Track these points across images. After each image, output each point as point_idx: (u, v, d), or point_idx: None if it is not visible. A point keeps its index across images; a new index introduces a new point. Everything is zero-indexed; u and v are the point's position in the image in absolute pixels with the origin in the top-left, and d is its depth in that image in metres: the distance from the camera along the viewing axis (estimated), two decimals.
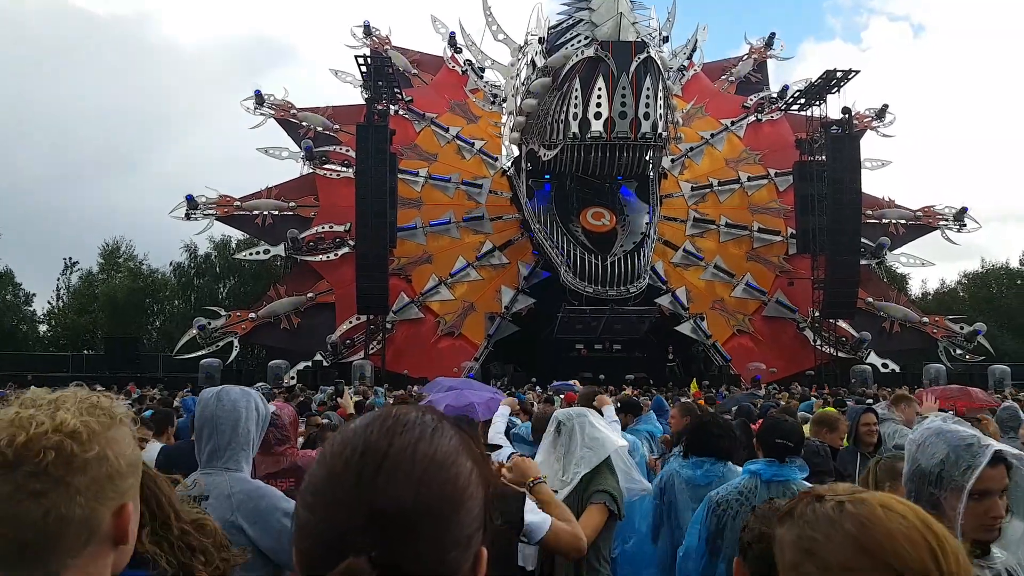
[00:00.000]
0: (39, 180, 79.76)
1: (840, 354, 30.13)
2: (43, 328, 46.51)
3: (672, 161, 33.05)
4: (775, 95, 35.58)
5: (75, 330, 43.48)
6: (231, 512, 2.54)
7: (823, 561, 0.97)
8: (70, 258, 47.93)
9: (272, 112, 32.71)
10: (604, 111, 25.91)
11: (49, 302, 46.76)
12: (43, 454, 1.02)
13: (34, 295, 46.03)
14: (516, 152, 31.93)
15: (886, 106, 35.01)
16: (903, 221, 34.39)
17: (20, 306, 44.86)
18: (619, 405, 7.94)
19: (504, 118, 32.77)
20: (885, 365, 30.83)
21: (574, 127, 26.42)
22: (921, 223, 34.58)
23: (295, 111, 32.99)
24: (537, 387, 20.28)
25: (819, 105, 31.36)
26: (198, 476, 2.64)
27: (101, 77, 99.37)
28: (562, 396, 13.24)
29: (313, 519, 0.82)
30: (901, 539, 0.94)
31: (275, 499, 2.66)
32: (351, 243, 29.19)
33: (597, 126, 26.25)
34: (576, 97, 26.14)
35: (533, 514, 2.97)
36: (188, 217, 31.21)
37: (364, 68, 29.80)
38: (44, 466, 1.02)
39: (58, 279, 47.07)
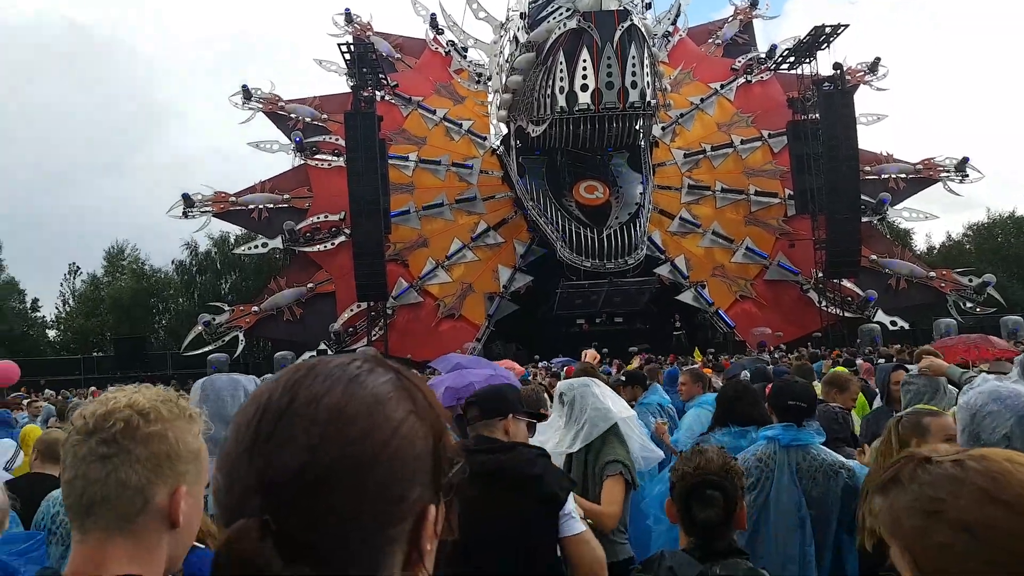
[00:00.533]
0: (31, 186, 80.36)
1: (846, 314, 29.86)
2: (52, 333, 47.14)
3: (663, 129, 32.70)
4: (763, 55, 35.02)
5: (84, 333, 44.07)
6: None
7: (955, 520, 0.93)
8: (74, 263, 48.57)
9: (260, 106, 32.69)
10: (591, 83, 25.67)
11: (56, 307, 47.41)
12: (114, 424, 1.20)
13: (38, 300, 46.68)
14: (504, 130, 31.75)
15: (878, 59, 34.38)
16: (903, 175, 33.91)
17: (28, 312, 45.47)
18: (623, 378, 7.94)
19: (490, 97, 32.54)
20: (893, 323, 30.58)
21: (561, 101, 26.21)
22: (922, 176, 34.07)
23: (283, 103, 32.95)
24: (541, 364, 20.25)
25: (809, 62, 30.90)
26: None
27: (85, 81, 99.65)
28: (564, 370, 13.27)
29: (219, 483, 0.76)
30: None
31: None
32: (347, 231, 29.26)
33: (584, 98, 26.03)
34: (561, 70, 25.90)
35: (573, 516, 2.92)
36: (185, 215, 31.40)
37: (348, 56, 29.65)
38: (113, 434, 1.20)
39: (61, 284, 47.74)
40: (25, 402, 14.67)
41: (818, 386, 6.59)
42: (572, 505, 2.94)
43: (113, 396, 1.27)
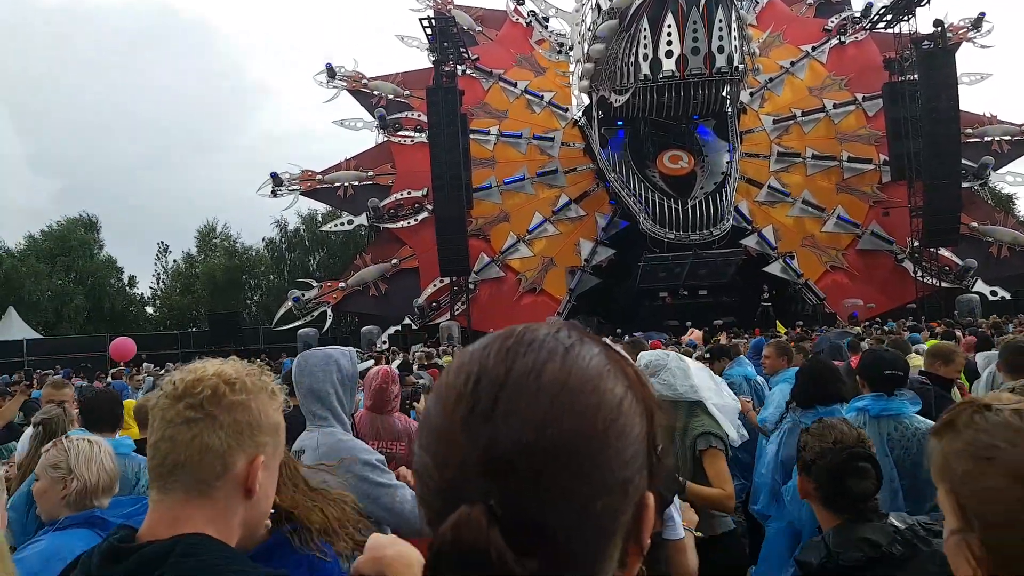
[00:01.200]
0: (128, 169, 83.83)
1: (943, 284, 28.60)
2: (149, 310, 49.31)
3: (751, 95, 31.70)
4: (858, 14, 33.39)
5: (180, 310, 46.01)
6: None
7: (1010, 466, 0.93)
8: (163, 242, 50.60)
9: (344, 84, 33.10)
10: (676, 49, 25.07)
11: (151, 287, 49.56)
12: (202, 391, 1.26)
13: (135, 277, 48.90)
14: (586, 101, 31.35)
15: (983, 14, 32.34)
16: (1007, 137, 32.03)
17: (127, 290, 47.69)
18: (708, 354, 7.79)
19: (572, 67, 32.16)
20: (994, 293, 29.10)
21: (645, 68, 25.69)
22: None
23: (366, 81, 33.29)
24: (625, 337, 20.01)
25: (907, 20, 29.38)
26: (302, 436, 2.83)
27: (176, 64, 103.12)
28: (648, 343, 13.09)
29: (427, 462, 0.68)
30: None
31: (357, 450, 2.81)
32: (429, 207, 29.51)
33: (669, 65, 25.44)
34: (645, 37, 25.36)
35: (675, 519, 2.82)
36: (274, 194, 32.23)
37: (429, 30, 29.76)
38: (200, 400, 1.25)
39: (154, 263, 49.89)
40: (127, 376, 15.47)
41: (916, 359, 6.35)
42: (675, 507, 2.82)
43: (201, 366, 1.32)
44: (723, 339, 15.91)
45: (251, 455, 1.27)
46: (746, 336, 19.82)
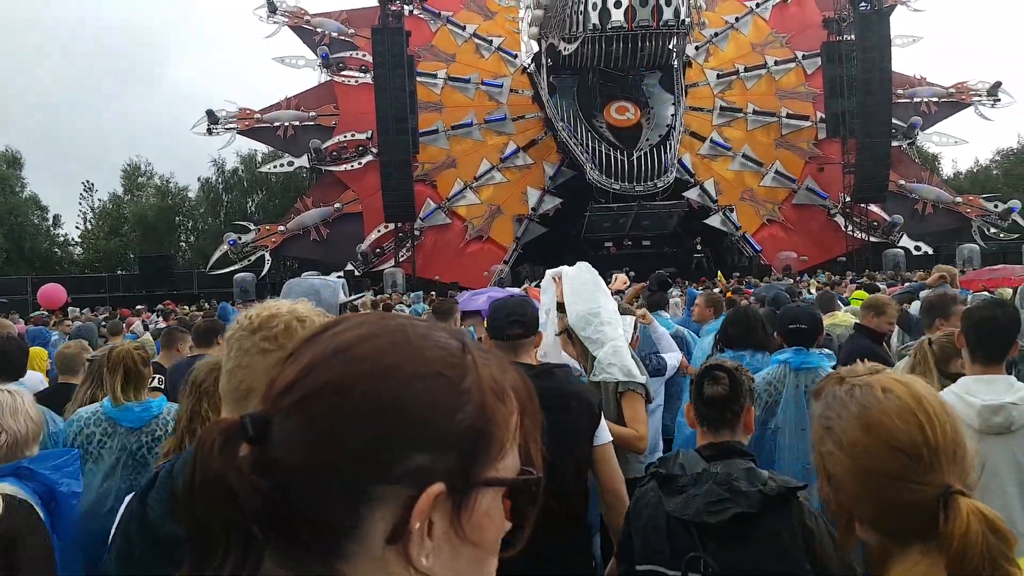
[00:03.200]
0: (56, 99, 79.23)
1: (872, 239, 29.94)
2: (77, 251, 47.21)
3: (696, 48, 32.07)
4: None
5: (107, 252, 44.14)
6: None
7: (837, 438, 1.15)
8: (88, 180, 48.21)
9: (285, 20, 31.97)
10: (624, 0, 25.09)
11: (77, 226, 47.32)
12: (277, 325, 1.39)
13: (60, 216, 46.54)
14: (536, 48, 31.13)
15: None
16: (935, 99, 33.44)
17: (51, 230, 45.46)
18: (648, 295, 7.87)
19: (521, 13, 31.79)
20: (918, 248, 30.61)
21: (594, 18, 25.67)
22: (954, 100, 33.61)
23: (309, 17, 32.22)
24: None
25: None
26: None
27: None
28: None
29: None
30: (895, 418, 1.11)
31: None
32: (374, 151, 29.03)
33: (618, 15, 25.49)
34: None
35: (604, 426, 2.92)
36: (210, 132, 31.14)
37: None
38: (275, 333, 1.38)
39: (79, 202, 47.56)
40: (51, 322, 14.80)
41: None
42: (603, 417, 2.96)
43: (276, 303, 1.46)
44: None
45: None
46: (685, 283, 20.45)
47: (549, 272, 3.93)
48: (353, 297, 3.13)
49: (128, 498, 1.48)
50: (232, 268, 30.08)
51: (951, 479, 1.07)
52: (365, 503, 0.65)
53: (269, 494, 0.64)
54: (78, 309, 22.11)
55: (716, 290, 12.69)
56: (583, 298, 3.69)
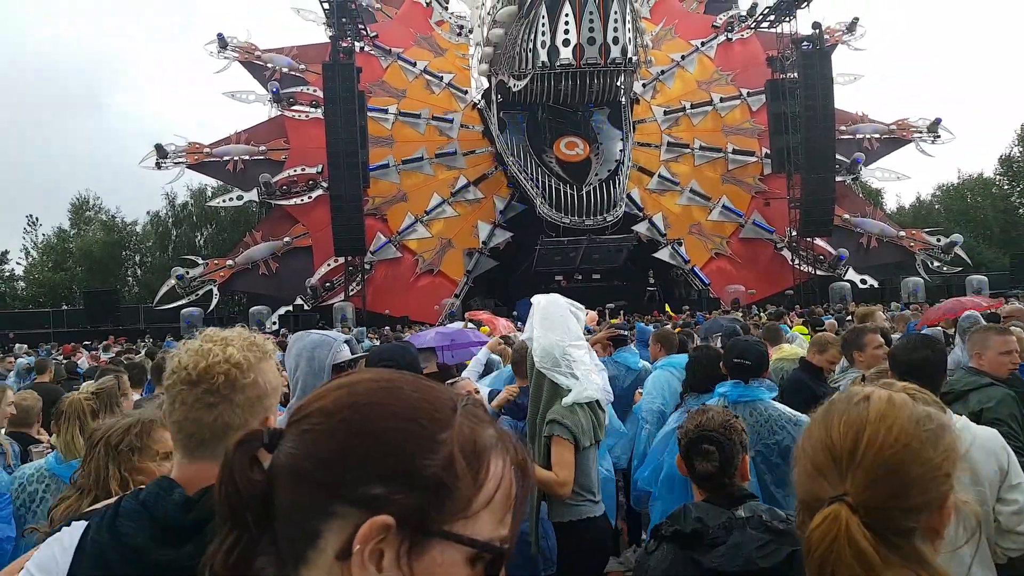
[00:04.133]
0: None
1: (818, 272, 30.44)
2: (21, 285, 46.13)
3: (643, 86, 32.64)
4: (744, 13, 34.96)
5: (52, 286, 43.21)
6: None
7: (801, 457, 1.19)
8: (32, 215, 47.34)
9: (236, 55, 31.95)
10: (572, 37, 25.46)
11: (18, 262, 46.32)
12: (215, 378, 1.41)
13: (7, 253, 45.57)
14: (485, 84, 31.40)
15: (856, 19, 34.56)
16: (877, 135, 34.34)
17: None
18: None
19: (471, 49, 32.10)
20: (864, 281, 31.21)
21: (543, 55, 25.98)
22: (895, 136, 34.56)
23: (259, 53, 32.24)
24: (519, 322, 20.29)
25: (789, 21, 30.94)
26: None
27: (51, 16, 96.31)
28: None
29: None
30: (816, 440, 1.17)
31: None
32: (324, 185, 28.94)
33: (566, 53, 25.83)
34: (543, 24, 25.62)
35: None
36: (159, 166, 30.83)
37: (327, 5, 29.04)
38: (216, 386, 1.41)
39: (23, 236, 46.63)
40: None
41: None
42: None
43: (208, 349, 1.45)
44: (615, 322, 16.45)
45: (262, 418, 1.47)
46: (634, 317, 20.59)
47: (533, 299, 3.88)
48: (355, 357, 3.08)
49: (83, 527, 1.43)
50: (180, 303, 29.63)
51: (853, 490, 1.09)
52: (326, 515, 0.73)
53: (260, 487, 0.76)
54: (25, 346, 21.57)
55: (668, 325, 12.77)
56: (555, 326, 3.64)
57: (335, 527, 0.73)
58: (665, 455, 4.06)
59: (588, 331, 10.50)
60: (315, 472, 0.74)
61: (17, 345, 21.37)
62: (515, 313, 23.56)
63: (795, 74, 29.61)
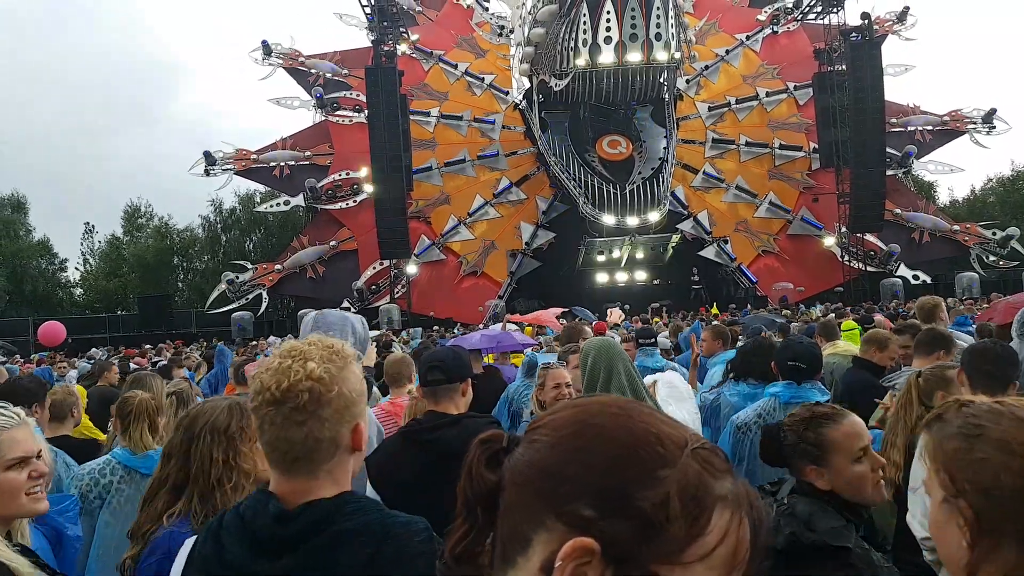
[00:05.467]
0: (55, 143, 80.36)
1: (869, 269, 29.76)
2: (77, 292, 47.56)
3: (687, 82, 32.29)
4: (790, 5, 34.18)
5: (107, 292, 44.46)
6: None
7: (995, 440, 1.10)
8: (89, 222, 48.70)
9: (280, 62, 32.42)
10: (614, 35, 25.32)
11: (77, 267, 47.74)
12: (300, 395, 1.42)
13: (66, 260, 47.05)
14: (527, 84, 31.41)
15: (907, 8, 33.63)
16: (929, 127, 33.42)
17: (56, 273, 45.87)
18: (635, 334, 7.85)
19: (512, 50, 32.12)
20: (916, 277, 30.42)
21: (584, 54, 25.88)
22: (948, 128, 33.58)
23: (303, 59, 32.67)
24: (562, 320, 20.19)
25: (837, 12, 30.25)
26: None
27: (101, 37, 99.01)
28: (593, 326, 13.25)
29: None
30: None
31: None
32: (368, 188, 29.20)
33: (608, 51, 25.69)
34: (584, 23, 25.52)
35: None
36: (207, 173, 31.38)
37: (368, 9, 29.35)
38: (302, 404, 1.42)
39: (81, 243, 48.06)
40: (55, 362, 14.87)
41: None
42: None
43: (288, 366, 1.44)
44: (660, 321, 16.29)
45: (352, 424, 1.48)
46: (680, 315, 20.37)
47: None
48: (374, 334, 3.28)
49: (193, 540, 1.54)
50: (230, 307, 30.16)
51: None
52: (537, 525, 0.74)
53: (490, 485, 0.81)
54: (96, 349, 22.13)
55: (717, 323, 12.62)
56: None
57: (543, 539, 0.73)
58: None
59: (628, 328, 10.41)
60: (535, 481, 0.76)
61: (94, 350, 21.68)
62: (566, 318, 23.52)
63: (843, 66, 28.97)
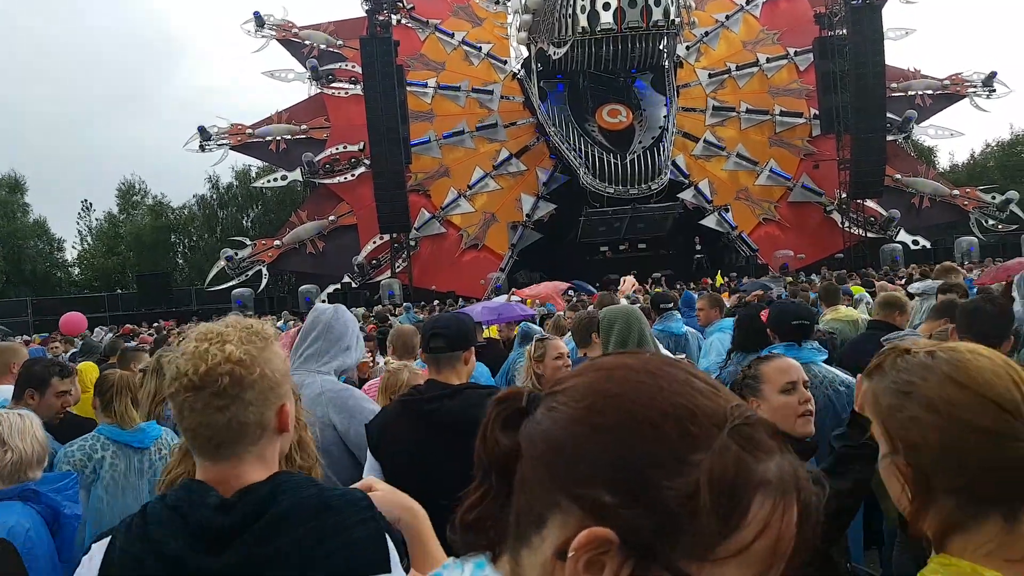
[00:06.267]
0: (52, 121, 79.59)
1: (869, 234, 29.72)
2: (75, 271, 47.34)
3: (687, 48, 31.96)
4: None
5: (105, 271, 44.25)
6: (323, 409, 2.81)
7: (924, 398, 1.11)
8: (86, 200, 48.36)
9: (273, 33, 31.96)
10: (613, 1, 24.99)
11: (73, 246, 47.45)
12: (220, 379, 1.34)
13: (64, 240, 46.78)
14: (525, 53, 31.05)
15: None
16: (930, 92, 33.24)
17: (53, 252, 45.63)
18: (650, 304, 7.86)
19: (510, 18, 31.67)
20: (915, 242, 30.43)
21: (583, 21, 25.56)
22: (949, 92, 33.42)
23: (296, 30, 32.20)
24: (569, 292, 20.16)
25: None
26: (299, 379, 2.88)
27: (94, 11, 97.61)
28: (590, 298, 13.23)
29: None
30: (989, 374, 1.10)
31: (361, 399, 3.04)
32: (366, 162, 28.96)
33: (607, 17, 25.37)
34: None
35: None
36: (203, 149, 31.10)
37: None
38: (223, 387, 1.35)
39: (77, 222, 47.73)
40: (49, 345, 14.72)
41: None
42: None
43: (205, 349, 1.36)
44: (659, 291, 16.25)
45: (278, 406, 1.42)
46: (681, 285, 20.37)
47: None
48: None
49: (103, 544, 1.38)
50: (230, 284, 30.05)
51: None
52: (551, 505, 0.67)
53: (504, 451, 0.72)
54: (102, 329, 22.04)
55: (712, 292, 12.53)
56: None
57: (558, 521, 0.66)
58: None
59: (629, 299, 10.46)
60: (549, 456, 0.68)
61: (98, 329, 21.55)
62: (571, 292, 23.48)
63: (844, 31, 28.70)
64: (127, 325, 22.38)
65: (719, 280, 22.92)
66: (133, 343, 12.76)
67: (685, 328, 6.39)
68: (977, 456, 1.06)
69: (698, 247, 30.25)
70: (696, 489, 0.62)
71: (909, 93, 32.89)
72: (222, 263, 30.47)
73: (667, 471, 0.63)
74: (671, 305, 6.74)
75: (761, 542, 0.64)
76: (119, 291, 37.71)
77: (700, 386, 0.69)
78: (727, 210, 30.63)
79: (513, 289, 17.42)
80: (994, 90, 33.29)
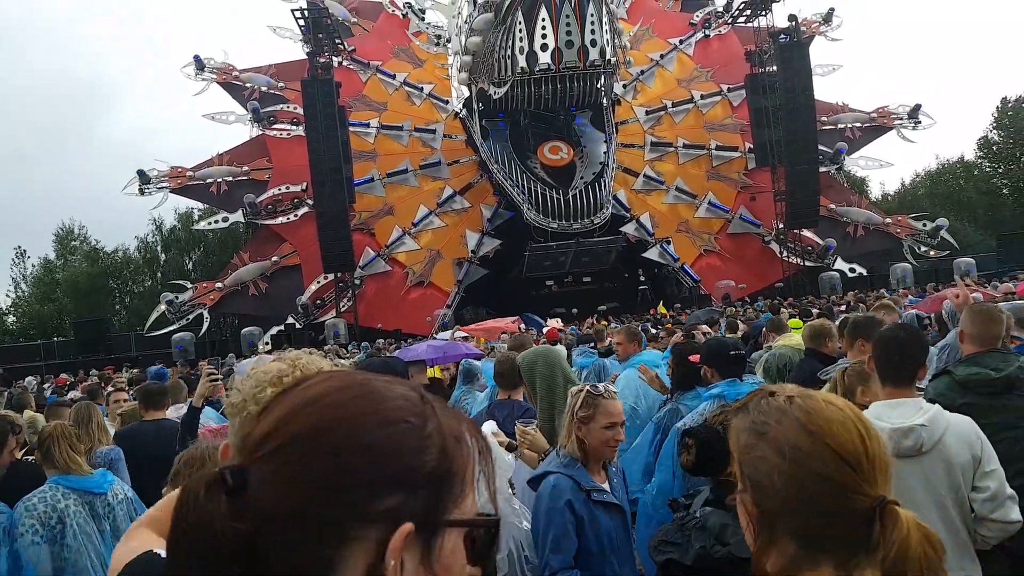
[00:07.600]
0: None
1: (807, 263, 30.49)
2: (10, 319, 45.84)
3: (624, 87, 32.70)
4: (720, 9, 35.08)
5: (41, 318, 42.96)
6: None
7: (774, 441, 1.15)
8: (20, 246, 47.02)
9: (214, 76, 31.82)
10: (550, 42, 25.49)
11: (7, 294, 45.99)
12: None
13: None
14: (466, 93, 31.43)
15: (832, 10, 34.74)
16: (858, 124, 34.47)
17: None
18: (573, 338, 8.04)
19: (450, 59, 32.13)
20: (852, 270, 31.30)
21: (521, 61, 26.00)
22: (877, 124, 34.68)
23: (237, 73, 32.13)
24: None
25: (765, 15, 31.04)
26: None
27: (33, 52, 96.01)
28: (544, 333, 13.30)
29: None
30: (837, 425, 1.13)
31: None
32: (309, 202, 28.83)
33: (545, 58, 25.85)
34: (520, 30, 25.65)
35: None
36: (142, 192, 30.61)
37: (302, 21, 29.02)
38: None
39: (11, 268, 46.34)
40: None
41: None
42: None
43: (285, 369, 1.41)
44: (601, 325, 16.46)
45: None
46: (627, 317, 20.60)
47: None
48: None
49: None
50: (170, 328, 29.41)
51: (885, 491, 1.09)
52: (344, 542, 0.68)
53: (247, 537, 0.66)
54: (33, 378, 21.34)
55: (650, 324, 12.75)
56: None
57: (356, 550, 0.68)
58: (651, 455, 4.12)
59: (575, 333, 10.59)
60: (322, 502, 0.68)
61: (29, 379, 20.89)
62: (521, 326, 23.53)
63: (774, 67, 29.74)
64: (62, 375, 21.77)
65: (661, 309, 23.28)
66: (72, 394, 12.43)
67: (596, 359, 6.69)
68: (817, 503, 1.09)
69: (642, 279, 30.68)
70: (444, 449, 0.74)
71: (839, 126, 34.08)
72: (162, 307, 29.87)
73: (419, 449, 0.72)
74: (592, 345, 6.97)
75: (473, 466, 0.77)
76: (56, 338, 36.58)
77: (389, 380, 0.79)
78: (669, 242, 31.17)
79: (457, 326, 17.45)
80: (919, 122, 34.64)
